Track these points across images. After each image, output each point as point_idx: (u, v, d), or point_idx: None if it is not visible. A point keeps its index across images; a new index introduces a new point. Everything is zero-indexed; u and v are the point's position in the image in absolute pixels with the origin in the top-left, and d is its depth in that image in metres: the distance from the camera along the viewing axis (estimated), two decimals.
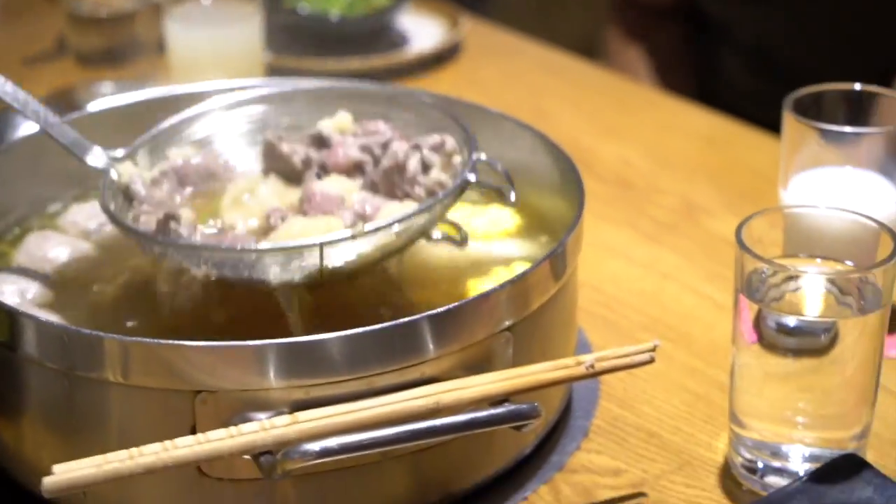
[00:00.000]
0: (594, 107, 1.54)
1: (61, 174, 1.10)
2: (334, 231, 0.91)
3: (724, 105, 1.78)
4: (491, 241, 1.03)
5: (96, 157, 1.00)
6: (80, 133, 1.03)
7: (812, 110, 1.08)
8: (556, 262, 0.91)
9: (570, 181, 1.01)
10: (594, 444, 0.96)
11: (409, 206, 0.94)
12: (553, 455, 0.95)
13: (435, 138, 0.99)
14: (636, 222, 1.28)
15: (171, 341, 0.83)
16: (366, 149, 1.00)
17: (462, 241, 1.00)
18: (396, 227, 0.90)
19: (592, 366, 0.86)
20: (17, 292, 1.00)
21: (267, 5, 1.53)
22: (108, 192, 0.97)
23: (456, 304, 0.85)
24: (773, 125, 1.36)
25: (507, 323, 0.88)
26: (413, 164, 0.97)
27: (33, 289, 1.00)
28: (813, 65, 1.69)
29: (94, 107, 1.15)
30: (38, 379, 0.88)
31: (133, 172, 1.00)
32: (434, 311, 0.85)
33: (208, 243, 0.93)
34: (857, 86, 1.09)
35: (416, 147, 0.98)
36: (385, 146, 1.00)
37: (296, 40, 1.64)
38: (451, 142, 0.98)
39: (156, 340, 0.83)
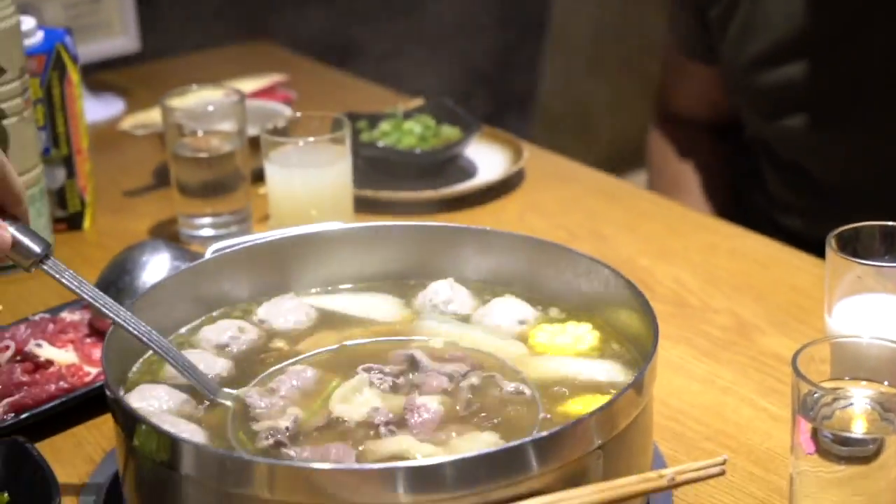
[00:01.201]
0: (648, 230, 1.69)
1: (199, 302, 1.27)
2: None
3: (765, 217, 1.92)
4: (576, 358, 1.19)
5: (221, 394, 1.15)
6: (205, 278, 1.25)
7: (851, 244, 1.23)
8: (638, 388, 1.06)
9: (643, 312, 1.16)
10: None
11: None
12: None
13: (515, 386, 1.14)
14: (692, 340, 1.42)
15: (316, 465, 0.98)
16: (451, 378, 1.15)
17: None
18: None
19: (673, 478, 1.01)
20: (155, 405, 1.14)
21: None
22: (233, 423, 1.12)
23: (556, 429, 1.00)
24: (812, 237, 1.51)
25: (599, 442, 1.02)
26: (493, 393, 1.14)
27: (171, 401, 1.15)
28: (847, 183, 1.84)
29: (210, 253, 1.30)
30: (194, 495, 1.03)
31: (250, 390, 1.15)
32: (537, 436, 0.99)
33: (310, 465, 1.03)
34: (892, 223, 1.24)
35: (492, 378, 1.15)
36: (466, 375, 1.16)
37: (373, 172, 1.80)
38: (528, 392, 1.14)
39: (303, 464, 0.99)
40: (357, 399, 1.13)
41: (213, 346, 1.23)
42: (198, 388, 1.15)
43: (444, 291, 1.28)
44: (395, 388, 1.15)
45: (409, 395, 1.13)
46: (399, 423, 1.10)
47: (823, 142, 1.81)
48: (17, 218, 1.16)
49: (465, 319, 1.27)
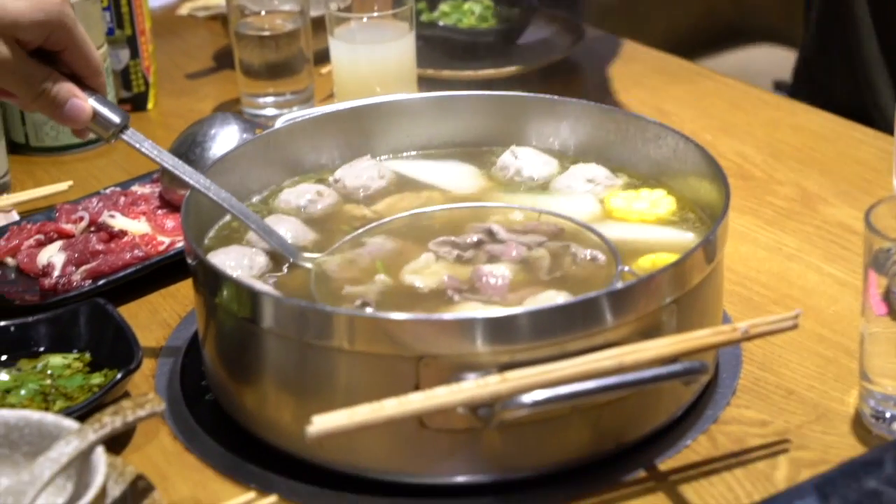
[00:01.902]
0: (710, 106, 1.69)
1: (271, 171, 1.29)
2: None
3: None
4: (652, 225, 1.21)
5: (301, 258, 1.17)
6: (278, 146, 1.27)
7: None
8: (709, 248, 1.07)
9: (712, 174, 1.17)
10: (742, 401, 1.12)
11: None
12: (707, 410, 1.11)
13: (589, 252, 1.15)
14: (757, 210, 1.43)
15: (395, 316, 1.00)
16: (528, 246, 1.17)
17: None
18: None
19: (747, 331, 1.02)
20: (237, 266, 1.16)
21: None
22: (315, 283, 1.14)
23: (631, 282, 1.02)
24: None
25: (672, 297, 1.04)
26: (567, 261, 1.15)
27: (249, 264, 1.16)
28: None
29: (281, 122, 1.32)
30: (276, 348, 1.05)
31: (331, 259, 1.17)
32: (611, 289, 1.01)
33: (390, 316, 1.02)
34: None
35: (567, 247, 1.16)
36: (542, 244, 1.17)
37: (434, 53, 1.80)
38: (602, 258, 1.14)
39: (383, 315, 1.01)
40: (427, 271, 1.15)
41: (293, 208, 1.25)
42: (277, 251, 1.17)
43: (523, 157, 1.29)
44: (462, 260, 1.16)
45: (476, 265, 1.15)
46: (470, 290, 1.12)
47: None
48: (96, 90, 1.18)
49: (545, 186, 1.28)
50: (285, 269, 1.16)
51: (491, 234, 1.19)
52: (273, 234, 1.17)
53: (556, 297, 1.09)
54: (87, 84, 1.17)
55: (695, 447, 1.07)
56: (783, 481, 1.03)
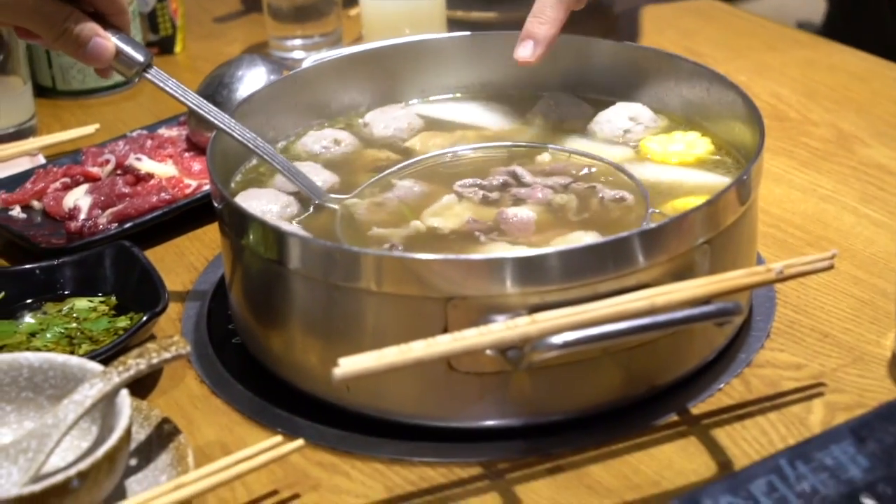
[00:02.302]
0: (744, 47, 1.67)
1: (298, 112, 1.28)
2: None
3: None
4: (691, 164, 1.19)
5: (327, 199, 1.16)
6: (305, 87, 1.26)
7: None
8: (742, 188, 1.05)
9: (746, 113, 1.15)
10: (776, 344, 1.10)
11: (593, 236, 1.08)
12: (741, 353, 1.09)
13: (616, 193, 1.13)
14: (793, 151, 1.41)
15: (423, 256, 0.98)
16: (553, 189, 1.15)
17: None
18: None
19: (782, 271, 1.00)
20: (259, 209, 1.14)
21: None
22: (341, 224, 1.12)
23: (663, 221, 1.00)
24: None
25: (705, 238, 1.02)
26: (594, 202, 1.13)
27: (275, 205, 1.15)
28: None
29: (308, 63, 1.30)
30: (303, 290, 1.03)
31: (358, 203, 1.15)
32: (643, 229, 0.99)
33: (418, 256, 1.01)
34: None
35: (593, 188, 1.14)
36: (566, 187, 1.15)
37: None
38: (630, 198, 1.13)
39: (411, 255, 0.99)
40: (449, 213, 1.13)
41: (310, 153, 1.23)
42: (303, 193, 1.16)
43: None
44: (488, 201, 1.14)
45: (503, 207, 1.13)
46: (496, 232, 1.10)
47: None
48: (120, 28, 1.16)
49: (581, 129, 1.26)
50: (311, 210, 1.15)
51: (516, 177, 1.17)
52: (298, 175, 1.16)
53: (583, 238, 1.07)
54: (111, 22, 1.15)
55: (728, 391, 1.06)
56: (818, 425, 1.01)
